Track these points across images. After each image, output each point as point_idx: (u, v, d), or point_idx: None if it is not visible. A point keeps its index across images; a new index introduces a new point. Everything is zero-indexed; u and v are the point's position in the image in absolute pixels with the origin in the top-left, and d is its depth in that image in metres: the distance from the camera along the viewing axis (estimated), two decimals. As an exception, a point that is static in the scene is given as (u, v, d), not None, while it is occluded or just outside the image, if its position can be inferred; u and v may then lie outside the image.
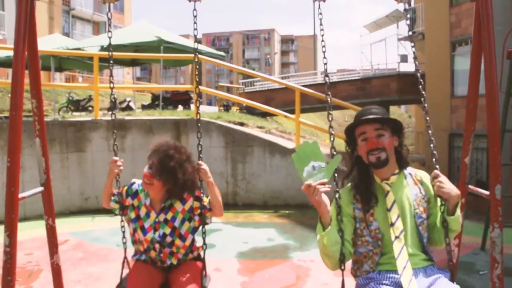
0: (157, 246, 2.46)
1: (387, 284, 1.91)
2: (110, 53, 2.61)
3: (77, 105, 14.33)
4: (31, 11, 2.36)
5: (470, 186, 2.84)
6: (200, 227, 2.55)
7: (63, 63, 15.70)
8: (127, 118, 7.43)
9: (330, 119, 2.19)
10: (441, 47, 15.53)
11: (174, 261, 2.50)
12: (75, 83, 24.11)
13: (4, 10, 24.33)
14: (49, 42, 13.79)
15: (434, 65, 15.70)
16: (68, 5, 29.95)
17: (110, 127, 7.03)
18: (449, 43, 15.29)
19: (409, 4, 2.47)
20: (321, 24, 2.21)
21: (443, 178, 1.94)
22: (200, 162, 2.49)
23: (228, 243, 5.08)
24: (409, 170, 2.14)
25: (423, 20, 17.07)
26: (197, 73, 2.93)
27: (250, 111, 14.32)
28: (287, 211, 6.68)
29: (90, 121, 7.09)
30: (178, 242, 2.47)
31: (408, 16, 2.51)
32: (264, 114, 14.01)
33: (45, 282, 3.85)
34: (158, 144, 2.51)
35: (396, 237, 1.95)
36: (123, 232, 2.55)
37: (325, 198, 1.90)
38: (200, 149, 2.55)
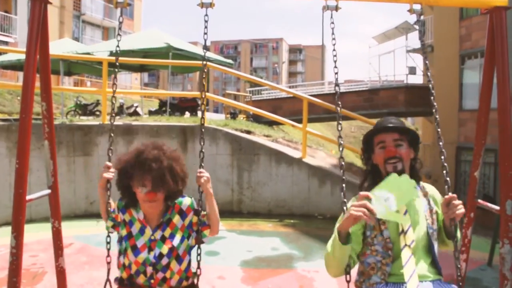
0: (149, 269, 2.12)
1: None
2: (117, 58, 2.47)
3: (84, 109, 14.38)
4: (44, 15, 2.38)
5: (479, 201, 2.81)
6: (195, 248, 2.24)
7: (72, 67, 15.80)
8: (134, 123, 7.44)
9: (340, 128, 2.20)
10: (450, 60, 15.50)
11: None
12: (84, 87, 24.25)
13: (17, 14, 24.63)
14: (59, 46, 13.87)
15: (442, 78, 15.66)
16: (79, 10, 30.23)
17: (117, 131, 7.05)
18: (458, 56, 15.25)
19: (420, 16, 2.46)
20: (333, 33, 2.20)
21: (459, 202, 1.89)
22: (201, 169, 2.27)
23: (232, 251, 5.05)
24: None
25: (433, 33, 17.05)
26: (204, 77, 2.69)
27: (257, 119, 14.32)
28: (292, 221, 6.64)
29: (98, 125, 7.11)
30: (174, 265, 2.14)
31: (418, 27, 2.51)
32: (271, 123, 13.99)
33: (49, 285, 3.84)
34: (130, 156, 2.15)
35: (406, 245, 1.90)
36: (108, 250, 2.26)
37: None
38: (202, 156, 2.36)
